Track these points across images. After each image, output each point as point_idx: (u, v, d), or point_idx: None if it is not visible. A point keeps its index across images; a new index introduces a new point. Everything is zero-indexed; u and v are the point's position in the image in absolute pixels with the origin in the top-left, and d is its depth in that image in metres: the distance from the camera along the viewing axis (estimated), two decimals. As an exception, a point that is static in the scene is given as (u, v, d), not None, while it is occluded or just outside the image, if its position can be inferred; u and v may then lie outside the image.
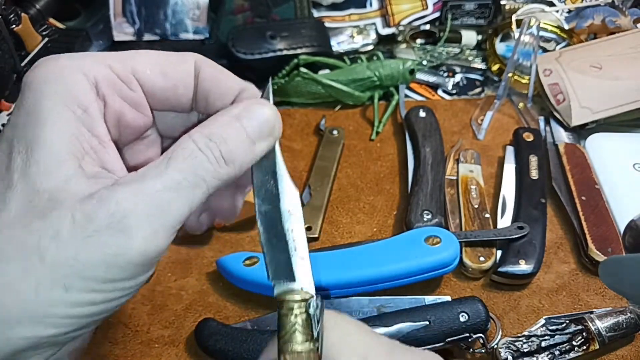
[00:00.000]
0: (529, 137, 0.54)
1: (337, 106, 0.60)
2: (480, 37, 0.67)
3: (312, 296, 0.25)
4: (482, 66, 0.65)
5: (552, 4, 0.70)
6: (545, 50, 0.66)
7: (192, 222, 0.30)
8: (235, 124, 0.25)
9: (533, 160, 0.52)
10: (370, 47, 0.67)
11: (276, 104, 0.67)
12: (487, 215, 0.48)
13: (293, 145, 0.57)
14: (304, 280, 0.25)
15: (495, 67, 0.64)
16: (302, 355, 0.23)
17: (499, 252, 0.46)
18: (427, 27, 0.68)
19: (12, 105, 0.54)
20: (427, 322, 0.38)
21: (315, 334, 0.24)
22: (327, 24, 0.66)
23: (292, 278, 0.25)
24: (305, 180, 0.53)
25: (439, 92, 0.64)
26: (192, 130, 0.24)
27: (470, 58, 0.66)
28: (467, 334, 0.39)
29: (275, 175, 0.26)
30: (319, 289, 0.28)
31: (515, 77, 0.60)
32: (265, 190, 0.26)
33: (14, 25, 0.48)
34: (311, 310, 0.24)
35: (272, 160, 0.26)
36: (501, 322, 0.42)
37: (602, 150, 0.54)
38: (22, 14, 0.49)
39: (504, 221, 0.48)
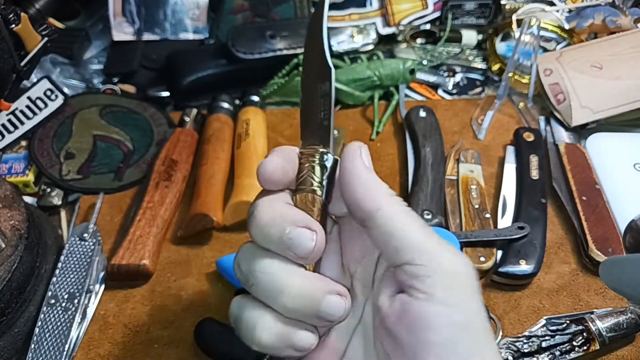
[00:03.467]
0: (529, 137, 0.54)
1: (337, 106, 0.60)
2: (480, 37, 0.67)
3: (329, 152, 0.28)
4: (482, 66, 0.65)
5: (552, 4, 0.69)
6: (545, 50, 0.66)
7: None
8: None
9: (533, 160, 0.52)
10: (371, 47, 0.66)
11: (276, 103, 0.67)
12: (488, 215, 0.48)
13: (293, 145, 0.56)
14: (324, 142, 0.29)
15: (495, 67, 0.64)
16: (309, 196, 0.27)
17: (500, 252, 0.46)
18: (428, 26, 0.68)
19: (11, 104, 0.54)
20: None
21: (324, 183, 0.28)
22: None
23: (316, 141, 0.29)
24: (305, 180, 0.53)
25: (439, 91, 0.64)
26: None
27: (470, 58, 0.66)
28: (468, 335, 0.39)
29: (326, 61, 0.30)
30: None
31: (516, 77, 0.60)
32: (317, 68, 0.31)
33: (13, 25, 0.48)
34: (325, 162, 0.28)
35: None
36: (502, 322, 0.42)
37: (603, 150, 0.54)
38: (22, 14, 0.49)
39: (505, 221, 0.48)
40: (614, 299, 0.44)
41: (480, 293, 0.25)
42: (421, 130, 0.54)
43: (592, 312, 0.42)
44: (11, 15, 0.48)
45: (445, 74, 0.65)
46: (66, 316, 0.42)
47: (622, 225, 0.47)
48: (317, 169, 0.28)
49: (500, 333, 0.41)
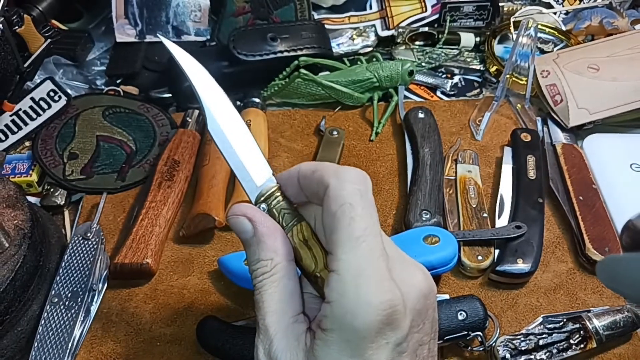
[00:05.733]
0: (526, 137, 0.54)
1: (337, 107, 0.61)
2: (478, 39, 0.68)
3: (276, 185, 0.30)
4: (480, 67, 0.66)
5: (550, 6, 0.70)
6: (543, 51, 0.66)
7: None
8: None
9: (531, 160, 0.52)
10: (370, 49, 0.67)
11: (277, 104, 0.67)
12: (485, 215, 0.48)
13: (294, 145, 0.57)
14: (258, 178, 0.30)
15: (493, 69, 0.64)
16: (303, 225, 0.29)
17: (497, 251, 0.46)
18: (426, 29, 0.68)
19: (14, 106, 0.54)
20: (426, 320, 0.39)
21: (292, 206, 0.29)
22: (327, 26, 0.67)
23: (254, 186, 0.30)
24: (306, 180, 0.53)
25: (438, 93, 0.64)
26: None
27: (468, 59, 0.66)
28: (466, 332, 0.39)
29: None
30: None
31: (513, 79, 0.61)
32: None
33: (16, 27, 0.48)
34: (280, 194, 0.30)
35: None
36: (499, 320, 0.43)
37: (600, 151, 0.54)
38: (25, 16, 0.49)
39: (502, 221, 0.49)
40: (610, 298, 0.44)
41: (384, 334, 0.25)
42: (420, 131, 0.55)
43: (589, 311, 0.42)
44: (14, 18, 0.48)
45: (444, 75, 0.65)
46: (69, 315, 0.42)
47: (618, 225, 0.47)
48: (283, 202, 0.29)
49: (498, 331, 0.41)
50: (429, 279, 0.28)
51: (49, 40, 0.53)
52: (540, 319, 0.41)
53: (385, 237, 0.28)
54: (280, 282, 0.28)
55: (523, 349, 0.39)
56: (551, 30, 0.68)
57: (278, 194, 0.30)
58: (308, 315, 0.28)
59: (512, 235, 0.46)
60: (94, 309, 0.43)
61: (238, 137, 0.31)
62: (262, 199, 0.30)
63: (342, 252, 0.25)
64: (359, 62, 0.63)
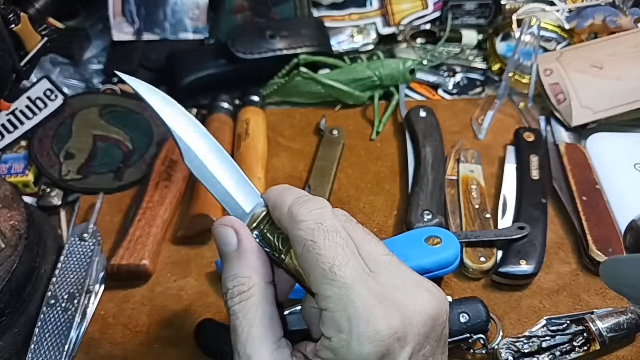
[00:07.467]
0: (529, 137, 0.54)
1: (337, 106, 0.60)
2: (480, 37, 0.67)
3: (265, 208, 0.29)
4: (482, 66, 0.65)
5: (552, 4, 0.69)
6: (545, 50, 0.66)
7: None
8: None
9: (534, 160, 0.52)
10: (371, 47, 0.66)
11: (276, 103, 0.67)
12: (488, 216, 0.48)
13: (293, 145, 0.57)
14: (246, 204, 0.29)
15: (495, 67, 0.64)
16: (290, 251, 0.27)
17: (500, 253, 0.46)
18: (428, 26, 0.68)
19: (11, 104, 0.54)
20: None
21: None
22: (327, 24, 0.66)
23: (243, 213, 0.29)
24: (305, 180, 0.53)
25: (440, 91, 0.64)
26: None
27: (470, 58, 0.66)
28: (468, 335, 0.39)
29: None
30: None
31: (516, 77, 0.60)
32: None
33: (13, 25, 0.48)
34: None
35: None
36: (502, 322, 0.42)
37: (603, 150, 0.54)
38: (22, 14, 0.49)
39: (505, 221, 0.48)
40: (614, 299, 0.44)
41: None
42: (421, 130, 0.54)
43: (592, 312, 0.42)
44: (11, 15, 0.48)
45: (446, 73, 0.65)
46: (66, 316, 0.42)
47: (622, 225, 0.47)
48: (275, 225, 0.28)
49: (501, 333, 0.41)
50: (438, 299, 0.26)
51: (45, 39, 0.52)
52: (543, 321, 0.41)
53: (380, 258, 0.26)
54: (260, 307, 0.27)
55: (526, 351, 0.39)
56: (554, 29, 0.67)
57: (269, 217, 0.29)
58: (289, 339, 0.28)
59: (514, 236, 0.45)
60: (90, 310, 0.43)
61: (218, 166, 0.29)
62: (254, 225, 0.29)
63: (323, 289, 0.25)
64: (359, 60, 0.63)
